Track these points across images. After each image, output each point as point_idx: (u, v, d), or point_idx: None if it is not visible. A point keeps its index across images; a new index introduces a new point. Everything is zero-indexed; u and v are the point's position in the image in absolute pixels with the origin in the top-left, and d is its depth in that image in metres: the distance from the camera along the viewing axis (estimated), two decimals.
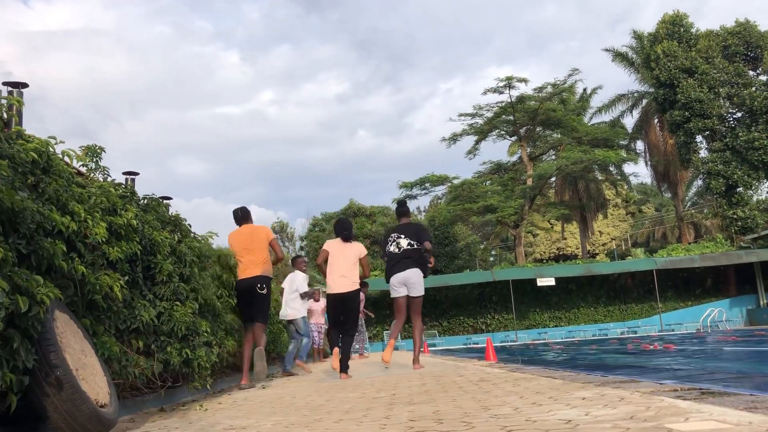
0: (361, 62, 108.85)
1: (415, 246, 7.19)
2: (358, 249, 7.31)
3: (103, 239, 3.78)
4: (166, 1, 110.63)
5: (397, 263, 7.22)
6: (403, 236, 7.30)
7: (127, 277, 4.18)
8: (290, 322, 9.46)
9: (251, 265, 7.02)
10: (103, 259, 3.88)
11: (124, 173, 5.66)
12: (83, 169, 4.72)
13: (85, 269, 3.49)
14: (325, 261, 7.20)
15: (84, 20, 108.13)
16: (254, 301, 7.00)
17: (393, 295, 7.39)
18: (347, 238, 7.32)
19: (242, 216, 7.45)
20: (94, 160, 4.76)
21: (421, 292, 7.25)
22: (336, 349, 7.10)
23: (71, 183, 3.79)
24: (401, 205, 7.86)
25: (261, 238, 7.21)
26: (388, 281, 7.35)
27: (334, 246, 7.25)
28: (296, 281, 9.46)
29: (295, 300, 9.33)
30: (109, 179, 4.81)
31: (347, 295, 6.99)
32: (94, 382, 3.24)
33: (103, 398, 3.22)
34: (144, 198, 5.31)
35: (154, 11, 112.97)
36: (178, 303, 4.91)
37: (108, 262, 3.95)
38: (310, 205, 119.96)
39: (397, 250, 7.26)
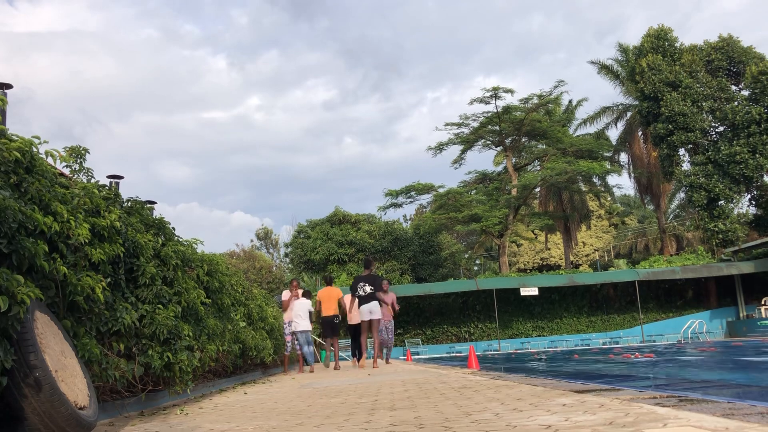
0: (350, 70, 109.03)
1: (373, 290, 11.72)
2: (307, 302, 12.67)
3: (86, 240, 3.76)
4: (153, 3, 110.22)
5: (364, 300, 11.65)
6: (367, 284, 11.69)
7: (109, 279, 4.16)
8: (300, 332, 12.32)
9: (330, 308, 12.60)
10: (86, 261, 3.86)
11: (109, 176, 5.64)
12: (67, 170, 4.69)
13: (66, 270, 3.47)
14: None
15: (70, 22, 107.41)
16: (333, 326, 12.74)
17: (363, 318, 11.74)
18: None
19: (329, 281, 13.55)
20: (78, 161, 4.73)
21: (379, 316, 11.78)
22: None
23: (54, 183, 3.77)
24: (367, 260, 12.12)
25: (336, 295, 12.85)
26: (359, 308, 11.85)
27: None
28: (305, 305, 12.41)
29: (304, 318, 12.26)
30: (93, 181, 4.78)
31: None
32: (74, 384, 3.21)
33: (82, 400, 3.19)
34: (128, 200, 5.29)
35: (142, 14, 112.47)
36: (160, 306, 4.88)
37: (90, 264, 3.92)
38: (295, 212, 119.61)
39: (363, 294, 11.67)
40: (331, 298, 12.68)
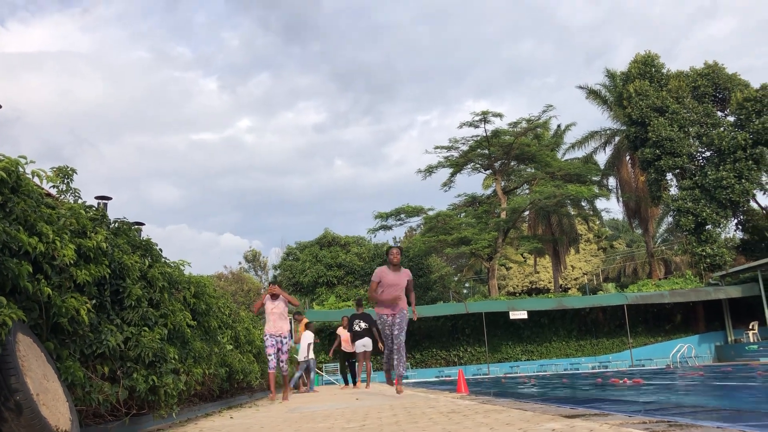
0: (341, 92, 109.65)
1: (368, 326, 13.83)
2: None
3: (71, 261, 3.72)
4: (146, 25, 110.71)
5: (360, 334, 13.83)
6: (362, 321, 13.93)
7: (94, 301, 4.11)
8: (301, 362, 14.96)
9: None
10: (71, 282, 3.81)
11: (97, 197, 5.60)
12: (53, 191, 4.66)
13: (51, 291, 3.43)
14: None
15: (62, 43, 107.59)
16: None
17: (357, 351, 13.92)
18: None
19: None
20: (66, 181, 4.70)
21: (371, 349, 13.79)
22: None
23: (40, 203, 3.74)
24: (358, 300, 14.72)
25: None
26: (353, 342, 14.09)
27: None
28: (310, 337, 14.84)
29: (309, 349, 14.75)
30: (80, 201, 4.74)
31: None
32: (56, 408, 3.16)
33: (64, 425, 3.14)
34: (115, 221, 5.25)
35: (134, 35, 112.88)
36: (146, 328, 4.82)
37: (75, 285, 3.88)
38: (284, 234, 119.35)
39: (359, 329, 13.89)
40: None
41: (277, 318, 10.29)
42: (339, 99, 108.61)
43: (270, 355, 10.27)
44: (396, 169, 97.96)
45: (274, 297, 10.33)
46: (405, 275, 8.89)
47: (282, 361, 10.36)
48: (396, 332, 8.74)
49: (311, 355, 14.92)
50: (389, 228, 37.98)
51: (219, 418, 6.56)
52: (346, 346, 15.12)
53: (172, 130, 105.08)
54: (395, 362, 8.71)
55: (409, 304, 9.05)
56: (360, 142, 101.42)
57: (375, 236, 39.75)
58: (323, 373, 26.04)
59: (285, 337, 10.40)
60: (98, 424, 4.41)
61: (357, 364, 14.31)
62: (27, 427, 2.82)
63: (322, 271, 36.55)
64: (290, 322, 13.23)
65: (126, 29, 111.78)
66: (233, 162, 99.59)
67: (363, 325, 13.89)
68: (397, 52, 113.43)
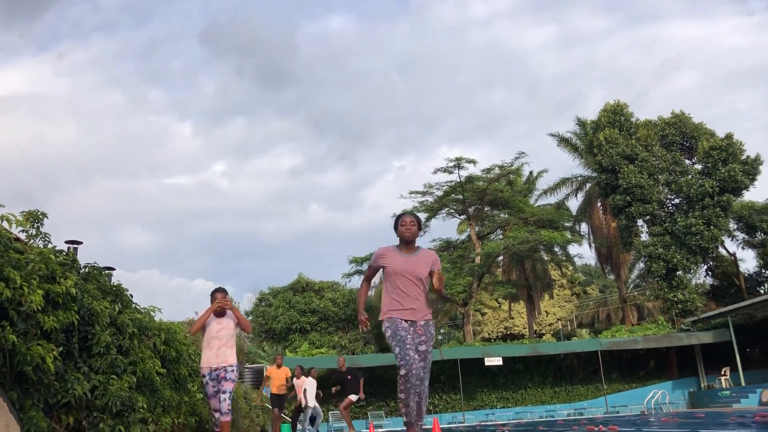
0: (317, 138, 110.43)
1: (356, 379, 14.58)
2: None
3: (39, 307, 3.63)
4: (121, 70, 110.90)
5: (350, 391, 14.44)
6: (350, 376, 14.63)
7: (61, 348, 4.01)
8: (308, 407, 15.03)
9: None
10: (37, 329, 3.72)
11: (67, 242, 5.52)
12: (23, 235, 4.58)
13: (16, 339, 3.34)
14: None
15: (36, 86, 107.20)
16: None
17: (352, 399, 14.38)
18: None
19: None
20: (35, 225, 4.63)
21: (359, 397, 14.84)
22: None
23: (9, 248, 3.66)
24: (341, 361, 15.55)
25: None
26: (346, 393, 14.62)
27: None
28: (314, 384, 15.15)
29: (312, 396, 14.93)
30: (50, 246, 4.66)
31: None
32: None
33: None
34: (85, 266, 5.16)
35: (108, 80, 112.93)
36: (114, 376, 4.70)
37: (42, 332, 3.78)
38: (258, 279, 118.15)
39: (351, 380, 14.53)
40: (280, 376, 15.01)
41: (222, 345, 7.21)
42: (315, 144, 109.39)
43: (211, 397, 7.18)
44: (371, 213, 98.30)
45: (221, 314, 7.31)
46: (426, 259, 5.33)
47: (223, 401, 7.07)
48: (424, 350, 5.21)
49: (314, 403, 15.17)
50: (364, 273, 37.79)
51: None
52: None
53: (145, 173, 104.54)
54: (421, 403, 5.10)
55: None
56: (335, 186, 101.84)
57: (350, 281, 39.53)
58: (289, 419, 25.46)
59: (230, 370, 7.23)
60: None
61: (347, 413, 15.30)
62: None
63: (296, 317, 36.11)
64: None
65: (101, 73, 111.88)
66: (207, 206, 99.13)
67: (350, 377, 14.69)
68: (372, 99, 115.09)
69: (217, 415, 7.07)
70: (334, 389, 15.71)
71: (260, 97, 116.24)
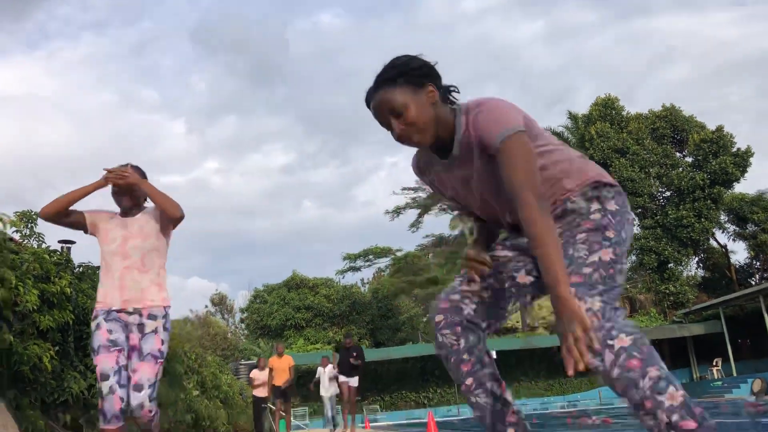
0: (309, 135, 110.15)
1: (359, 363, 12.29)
2: None
3: (35, 307, 3.66)
4: (113, 68, 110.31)
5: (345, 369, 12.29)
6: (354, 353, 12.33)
7: (57, 347, 4.04)
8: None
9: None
10: (34, 328, 3.75)
11: (60, 241, 5.53)
12: (17, 235, 4.60)
13: (12, 338, 3.37)
14: None
15: (26, 86, 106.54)
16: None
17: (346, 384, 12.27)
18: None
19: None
20: (29, 226, 4.65)
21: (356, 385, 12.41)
22: None
23: (3, 248, 3.69)
24: (348, 334, 13.59)
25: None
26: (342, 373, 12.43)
27: None
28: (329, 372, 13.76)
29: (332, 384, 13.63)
30: (43, 246, 4.69)
31: None
32: None
33: None
34: (80, 266, 5.19)
35: (101, 79, 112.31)
36: None
37: (38, 331, 3.81)
38: (252, 276, 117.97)
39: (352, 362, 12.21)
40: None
41: (133, 268, 3.46)
42: (307, 141, 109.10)
43: (107, 373, 3.24)
44: (364, 209, 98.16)
45: (129, 208, 3.62)
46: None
47: (141, 390, 3.27)
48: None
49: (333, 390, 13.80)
50: (358, 269, 37.95)
51: None
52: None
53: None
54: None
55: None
56: (328, 183, 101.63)
57: (344, 277, 39.62)
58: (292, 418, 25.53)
59: (152, 317, 3.43)
60: None
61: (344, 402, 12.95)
62: None
63: (290, 313, 36.14)
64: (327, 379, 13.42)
65: (93, 72, 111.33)
66: (200, 204, 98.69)
67: (354, 361, 12.55)
68: (364, 95, 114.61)
69: (114, 409, 3.18)
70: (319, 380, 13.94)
71: (252, 95, 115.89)
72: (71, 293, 4.37)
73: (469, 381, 2.11)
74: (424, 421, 19.67)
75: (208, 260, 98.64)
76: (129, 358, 3.30)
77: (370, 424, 14.78)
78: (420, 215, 38.75)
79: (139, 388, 3.26)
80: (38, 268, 4.03)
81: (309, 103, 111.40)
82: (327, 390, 13.74)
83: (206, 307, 49.99)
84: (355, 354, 12.57)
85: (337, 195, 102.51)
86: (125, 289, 3.38)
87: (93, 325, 3.28)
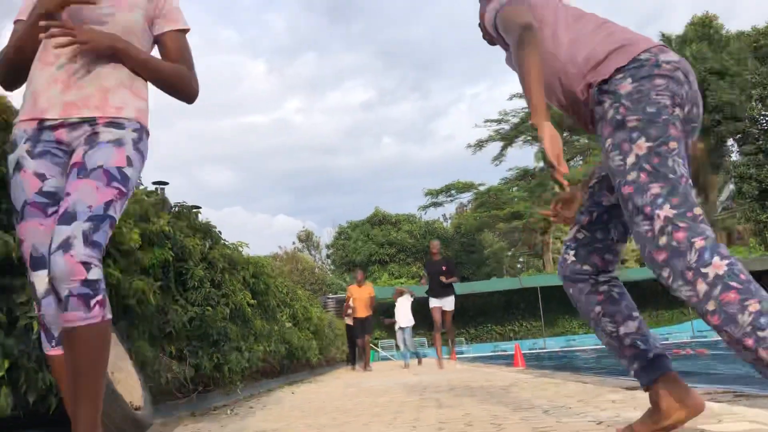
0: (387, 70, 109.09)
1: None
2: None
3: (137, 245, 3.86)
4: (191, 11, 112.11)
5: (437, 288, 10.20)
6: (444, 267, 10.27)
7: (159, 283, 4.26)
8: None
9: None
10: (137, 265, 3.96)
11: (155, 182, 5.78)
12: None
13: (119, 275, 3.57)
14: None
15: None
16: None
17: (445, 308, 10.27)
18: None
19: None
20: None
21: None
22: None
23: None
24: (434, 243, 11.14)
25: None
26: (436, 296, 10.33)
27: None
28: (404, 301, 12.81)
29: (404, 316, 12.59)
30: (141, 188, 4.91)
31: None
32: (129, 386, 3.31)
33: (137, 401, 3.28)
34: (175, 206, 5.41)
35: None
36: (209, 308, 4.98)
37: (141, 268, 4.03)
38: (335, 213, 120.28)
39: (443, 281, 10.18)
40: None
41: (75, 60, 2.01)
42: (385, 76, 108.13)
43: (40, 256, 1.94)
44: (445, 144, 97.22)
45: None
46: None
47: (71, 220, 1.81)
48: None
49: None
50: (440, 204, 37.94)
51: (281, 394, 6.75)
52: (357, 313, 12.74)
53: (222, 113, 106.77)
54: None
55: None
56: (408, 118, 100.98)
57: (426, 213, 39.77)
58: (379, 350, 26.34)
59: (128, 128, 2.03)
60: (168, 401, 4.60)
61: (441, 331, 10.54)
62: (105, 404, 2.96)
63: (374, 249, 36.75)
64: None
65: None
66: (283, 143, 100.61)
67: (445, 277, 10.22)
68: (441, 26, 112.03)
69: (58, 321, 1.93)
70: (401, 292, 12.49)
71: (329, 31, 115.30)
72: (170, 232, 4.58)
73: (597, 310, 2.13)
74: (511, 353, 19.79)
75: (294, 198, 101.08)
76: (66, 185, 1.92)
77: (456, 356, 14.95)
78: (503, 148, 38.06)
79: (68, 217, 1.81)
80: (138, 209, 4.23)
81: (386, 36, 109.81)
82: (403, 321, 12.86)
83: (294, 243, 51.60)
84: (444, 267, 10.06)
85: (417, 130, 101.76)
86: (70, 90, 1.99)
87: (10, 161, 2.00)
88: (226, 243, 6.33)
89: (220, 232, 6.11)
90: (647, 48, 1.91)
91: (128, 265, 3.86)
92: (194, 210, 5.82)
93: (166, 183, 6.14)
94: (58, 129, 1.99)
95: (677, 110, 1.86)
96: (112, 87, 2.05)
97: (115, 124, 2.00)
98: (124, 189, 1.94)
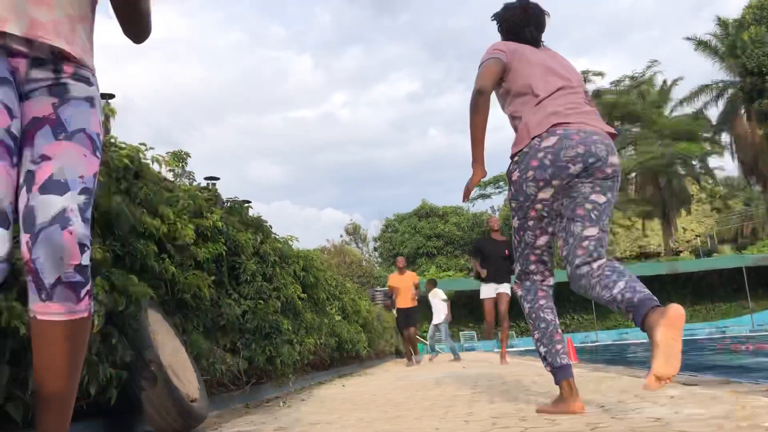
0: (433, 61, 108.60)
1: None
2: None
3: (191, 241, 3.94)
4: (239, 7, 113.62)
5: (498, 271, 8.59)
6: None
7: (213, 277, 4.34)
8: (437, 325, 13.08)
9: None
10: (191, 260, 4.04)
11: (206, 178, 5.88)
12: (170, 175, 4.93)
13: (174, 269, 3.65)
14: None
15: (161, 29, 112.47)
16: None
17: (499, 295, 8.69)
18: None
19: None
20: (181, 165, 4.97)
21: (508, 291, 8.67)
22: None
23: (160, 187, 3.97)
24: (493, 218, 9.73)
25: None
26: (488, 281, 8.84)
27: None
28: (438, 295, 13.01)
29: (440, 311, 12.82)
30: (194, 183, 5.00)
31: None
32: (185, 378, 3.38)
33: (193, 393, 3.35)
34: (227, 201, 5.50)
35: (229, 18, 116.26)
36: (261, 301, 5.05)
37: (196, 263, 4.11)
38: (382, 206, 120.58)
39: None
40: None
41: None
42: (431, 68, 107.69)
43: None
44: (493, 134, 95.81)
45: None
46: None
47: (64, 191, 1.51)
48: None
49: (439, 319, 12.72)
50: (488, 196, 37.60)
51: (332, 386, 6.80)
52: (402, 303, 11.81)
53: (270, 108, 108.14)
54: None
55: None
56: (454, 109, 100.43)
57: (473, 205, 39.48)
58: (426, 342, 26.28)
59: (94, 85, 1.68)
60: (222, 393, 4.69)
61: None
62: (161, 396, 3.04)
63: (422, 242, 36.71)
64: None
65: (221, 12, 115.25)
66: (330, 137, 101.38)
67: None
68: (487, 15, 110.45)
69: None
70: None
71: (375, 24, 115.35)
72: (223, 227, 4.65)
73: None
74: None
75: (340, 192, 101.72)
76: (26, 140, 1.52)
77: (507, 350, 14.79)
78: None
79: (58, 186, 1.51)
80: (192, 205, 4.31)
81: (431, 27, 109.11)
82: (438, 316, 12.87)
83: (341, 236, 51.92)
84: (507, 251, 8.36)
85: (464, 121, 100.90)
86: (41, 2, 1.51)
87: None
88: (277, 237, 6.41)
89: (271, 227, 6.19)
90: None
91: (183, 260, 3.94)
92: (245, 205, 5.90)
93: (217, 178, 6.22)
94: (16, 57, 1.49)
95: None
96: (77, 19, 1.58)
97: (83, 77, 1.62)
98: (99, 161, 1.62)
